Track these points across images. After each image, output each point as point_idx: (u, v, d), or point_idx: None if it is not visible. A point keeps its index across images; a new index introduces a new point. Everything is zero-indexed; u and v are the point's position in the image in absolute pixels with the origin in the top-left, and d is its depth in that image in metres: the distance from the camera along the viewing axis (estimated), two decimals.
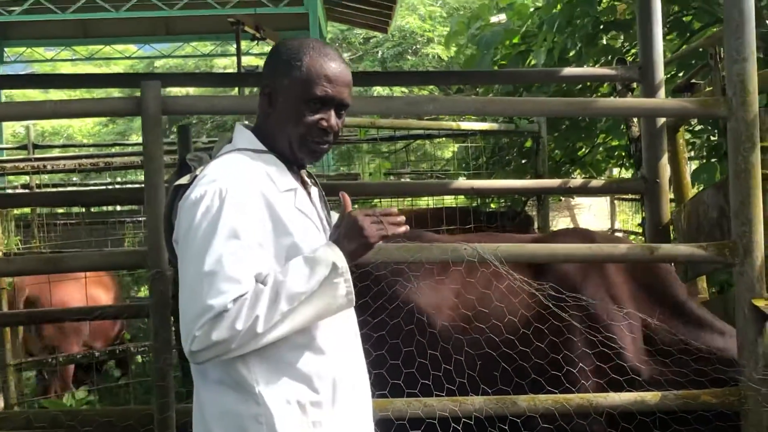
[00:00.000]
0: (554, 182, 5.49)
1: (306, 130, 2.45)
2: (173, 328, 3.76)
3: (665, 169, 4.87)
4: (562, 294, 3.67)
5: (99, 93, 22.85)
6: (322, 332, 2.38)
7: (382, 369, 3.56)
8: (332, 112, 2.47)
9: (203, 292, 2.17)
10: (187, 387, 5.17)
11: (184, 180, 2.40)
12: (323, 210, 2.63)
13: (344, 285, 2.29)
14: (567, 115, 7.07)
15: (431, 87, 11.98)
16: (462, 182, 5.12)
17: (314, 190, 2.62)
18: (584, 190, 5.41)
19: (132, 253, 3.86)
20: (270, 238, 2.31)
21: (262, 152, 2.45)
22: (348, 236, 2.33)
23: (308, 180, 2.61)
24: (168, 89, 15.30)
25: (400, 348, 3.65)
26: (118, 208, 11.81)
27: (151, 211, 3.48)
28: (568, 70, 5.21)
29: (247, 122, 2.57)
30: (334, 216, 2.58)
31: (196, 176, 2.38)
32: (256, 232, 2.28)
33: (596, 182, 5.34)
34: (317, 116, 2.44)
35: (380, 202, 7.78)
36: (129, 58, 23.85)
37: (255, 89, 9.74)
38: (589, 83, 8.29)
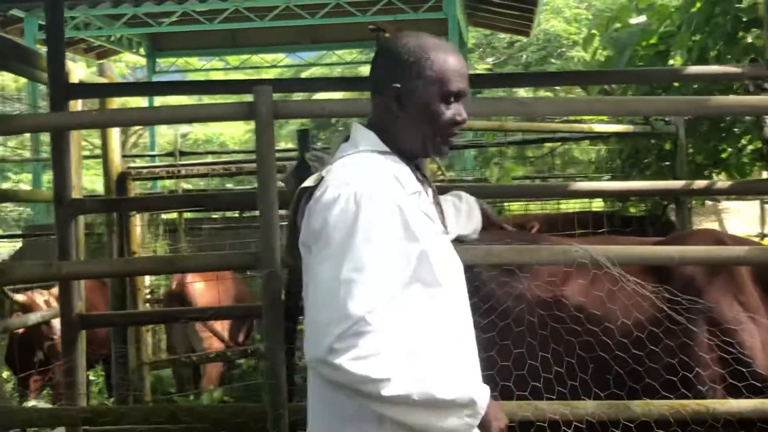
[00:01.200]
0: (692, 183, 5.35)
1: (444, 126, 2.49)
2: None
3: None
4: (683, 297, 3.57)
5: (233, 99, 23.46)
6: None
7: (492, 371, 3.55)
8: (461, 105, 2.51)
9: (340, 299, 2.18)
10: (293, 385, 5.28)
11: (310, 182, 2.41)
12: (438, 209, 2.64)
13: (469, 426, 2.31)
14: (684, 114, 6.87)
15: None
16: (589, 184, 5.03)
17: (430, 190, 2.64)
18: (724, 191, 5.24)
19: (245, 254, 3.96)
20: (401, 245, 2.31)
21: (386, 153, 2.47)
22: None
23: (424, 179, 2.61)
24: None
25: (510, 349, 3.62)
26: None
27: (263, 214, 3.56)
28: (692, 69, 5.07)
29: (361, 122, 2.59)
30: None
31: (321, 177, 2.39)
32: (391, 240, 2.28)
33: (736, 183, 5.17)
34: (452, 111, 2.48)
35: (509, 206, 7.73)
36: (276, 66, 24.46)
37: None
38: (733, 84, 8.03)
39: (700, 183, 4.97)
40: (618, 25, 9.65)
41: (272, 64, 23.85)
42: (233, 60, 22.82)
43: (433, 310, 2.39)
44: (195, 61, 24.04)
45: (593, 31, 10.12)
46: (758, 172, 10.57)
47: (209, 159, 13.16)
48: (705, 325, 3.63)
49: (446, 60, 2.47)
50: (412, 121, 2.48)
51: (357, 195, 2.26)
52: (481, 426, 2.33)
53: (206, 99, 22.51)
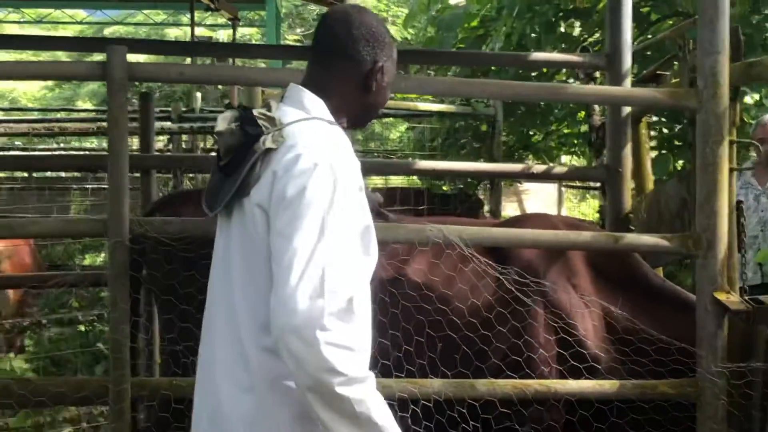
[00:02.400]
0: (516, 166, 5.51)
1: (382, 106, 2.69)
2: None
3: (628, 159, 4.89)
4: (525, 279, 3.66)
5: (45, 56, 22.36)
6: None
7: None
8: None
9: (324, 272, 2.13)
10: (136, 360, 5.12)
11: (270, 143, 2.32)
12: None
13: None
14: (538, 100, 7.08)
15: None
16: (424, 163, 5.08)
17: None
18: (545, 176, 5.40)
19: (92, 221, 3.75)
20: (361, 220, 2.32)
21: (334, 124, 2.46)
22: None
23: None
24: None
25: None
26: (64, 174, 11.59)
27: (113, 178, 3.39)
28: (536, 55, 5.20)
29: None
30: None
31: (280, 139, 2.33)
32: (358, 216, 2.29)
33: (558, 168, 5.35)
34: None
35: None
36: (79, 23, 23.34)
37: (209, 60, 9.65)
38: (545, 70, 8.33)
39: (538, 167, 5.09)
40: (439, 5, 9.81)
41: (74, 20, 22.77)
42: (31, 13, 21.64)
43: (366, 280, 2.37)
44: None
45: (416, 9, 10.25)
46: (560, 157, 11.08)
47: (11, 116, 12.41)
48: (543, 308, 3.73)
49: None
50: (374, 98, 2.58)
51: (333, 168, 2.24)
52: None
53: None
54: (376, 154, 12.71)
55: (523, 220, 4.44)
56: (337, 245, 2.18)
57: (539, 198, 14.95)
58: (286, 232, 2.20)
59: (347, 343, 2.13)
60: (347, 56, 2.52)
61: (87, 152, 11.17)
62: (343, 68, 2.53)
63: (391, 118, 11.71)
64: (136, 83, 18.32)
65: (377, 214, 3.65)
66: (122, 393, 3.39)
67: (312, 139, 2.33)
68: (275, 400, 2.30)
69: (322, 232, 2.17)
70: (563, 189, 14.96)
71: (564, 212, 13.84)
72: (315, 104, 2.47)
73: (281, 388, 2.28)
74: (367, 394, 2.19)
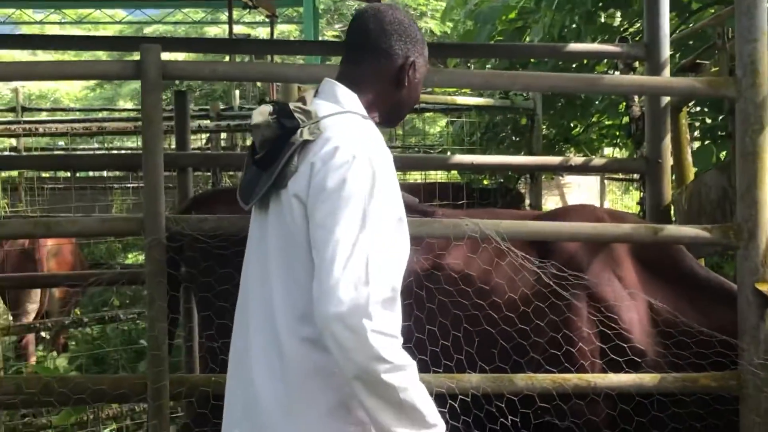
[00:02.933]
0: (554, 159, 5.45)
1: (415, 102, 2.73)
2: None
3: (667, 150, 4.83)
4: (565, 273, 3.62)
5: (87, 56, 22.56)
6: None
7: None
8: None
9: (368, 262, 2.19)
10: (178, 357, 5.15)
11: (307, 135, 2.37)
12: None
13: None
14: (574, 92, 7.00)
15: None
16: (462, 157, 5.06)
17: None
18: (585, 168, 5.36)
19: (128, 219, 3.78)
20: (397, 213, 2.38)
21: (367, 119, 2.51)
22: None
23: None
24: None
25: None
26: (105, 174, 11.71)
27: (149, 177, 3.41)
28: (573, 46, 5.15)
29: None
30: None
31: (317, 132, 2.38)
32: (397, 209, 2.37)
33: (597, 161, 5.30)
34: None
35: None
36: (118, 23, 23.55)
37: (247, 57, 9.68)
38: (586, 61, 8.26)
39: (576, 159, 5.04)
40: None
41: (113, 20, 22.97)
42: (71, 14, 21.85)
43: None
44: (31, 13, 22.85)
45: (453, 3, 10.22)
46: (602, 149, 10.97)
47: (55, 116, 12.53)
48: (586, 301, 3.69)
49: None
50: (407, 93, 2.63)
51: (372, 160, 2.30)
52: None
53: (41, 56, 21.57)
54: (416, 149, 12.70)
55: (568, 212, 4.38)
56: (378, 235, 2.23)
57: (581, 191, 14.83)
58: (327, 224, 2.24)
59: (392, 331, 2.20)
60: (380, 51, 2.56)
61: (126, 151, 11.29)
62: (375, 63, 2.57)
63: (430, 114, 11.68)
64: (176, 82, 18.54)
65: (416, 210, 3.66)
66: (161, 390, 3.41)
67: (348, 132, 2.37)
68: (312, 390, 2.33)
69: (364, 222, 2.22)
70: (606, 181, 14.84)
71: (607, 205, 13.73)
72: (349, 98, 2.51)
73: (318, 378, 2.32)
74: (411, 382, 2.26)
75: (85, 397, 3.46)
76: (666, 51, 4.80)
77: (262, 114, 2.51)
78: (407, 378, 2.24)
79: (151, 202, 3.42)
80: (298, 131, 2.37)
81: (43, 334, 7.21)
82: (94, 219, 3.81)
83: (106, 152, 10.09)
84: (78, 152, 9.57)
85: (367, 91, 2.56)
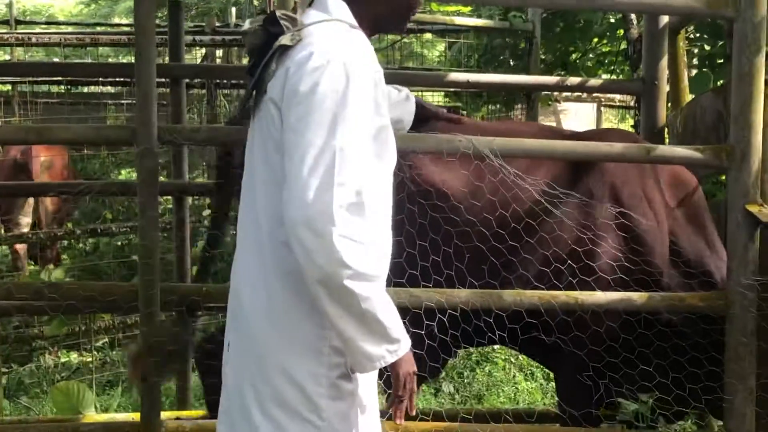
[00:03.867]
0: (551, 79, 5.41)
1: (417, 5, 2.63)
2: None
3: (664, 72, 4.80)
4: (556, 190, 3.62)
5: None
6: None
7: None
8: None
9: (336, 165, 2.18)
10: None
11: (286, 40, 2.36)
12: None
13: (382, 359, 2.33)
14: (573, 8, 6.91)
15: None
16: (458, 75, 5.02)
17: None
18: (581, 89, 5.33)
19: (121, 128, 3.78)
20: (373, 120, 2.35)
21: (356, 28, 2.48)
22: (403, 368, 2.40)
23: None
24: None
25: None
26: (100, 90, 11.63)
27: (141, 85, 3.39)
28: None
29: None
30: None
31: (298, 38, 2.37)
32: (370, 114, 2.33)
33: (593, 81, 5.25)
34: None
35: None
36: None
37: None
38: None
39: (573, 79, 5.01)
40: None
41: None
42: None
43: (382, 182, 2.44)
44: None
45: None
46: (600, 76, 10.90)
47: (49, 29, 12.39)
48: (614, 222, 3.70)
49: None
50: (396, 1, 2.57)
51: (346, 65, 2.27)
52: (391, 367, 2.37)
53: None
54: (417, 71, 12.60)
55: (606, 134, 4.35)
56: (347, 140, 2.22)
57: (578, 117, 14.75)
58: (298, 128, 2.25)
59: (357, 237, 2.19)
60: None
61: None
62: None
63: (429, 35, 11.57)
64: None
65: (442, 119, 3.64)
66: (152, 297, 3.43)
67: (328, 38, 2.36)
68: (290, 294, 2.34)
69: (333, 127, 2.21)
70: (602, 109, 14.77)
71: None
72: (338, 7, 2.49)
73: (295, 281, 2.31)
74: (374, 293, 2.24)
75: (76, 303, 3.48)
76: None
77: (253, 22, 2.52)
78: (371, 288, 2.22)
79: (143, 111, 3.40)
80: (280, 37, 2.38)
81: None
82: (87, 126, 3.80)
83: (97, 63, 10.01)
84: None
85: (355, 1, 2.52)
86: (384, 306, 2.28)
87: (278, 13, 2.45)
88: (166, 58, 5.61)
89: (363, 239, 2.21)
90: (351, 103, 2.24)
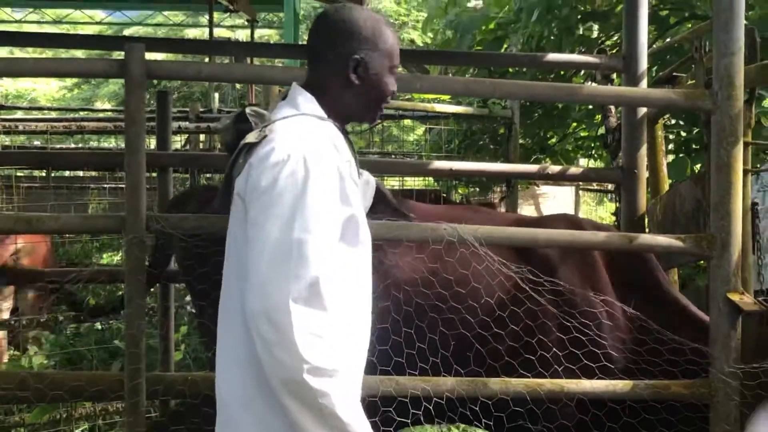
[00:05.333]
0: (532, 167, 5.48)
1: (387, 96, 2.70)
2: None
3: (643, 160, 4.88)
4: (540, 278, 3.66)
5: (64, 56, 22.40)
6: None
7: None
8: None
9: (294, 258, 2.21)
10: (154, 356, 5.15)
11: (252, 138, 2.43)
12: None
13: None
14: (553, 100, 7.05)
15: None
16: (441, 163, 5.09)
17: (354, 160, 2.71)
18: (561, 177, 5.40)
19: (109, 217, 3.79)
20: (338, 209, 2.38)
21: (324, 119, 2.55)
22: None
23: (352, 149, 2.70)
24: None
25: (375, 324, 3.61)
26: (82, 174, 11.67)
27: (131, 175, 3.42)
28: (553, 56, 5.19)
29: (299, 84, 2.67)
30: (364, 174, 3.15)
31: (264, 134, 2.42)
32: (333, 205, 2.35)
33: (574, 170, 5.33)
34: (393, 83, 2.71)
35: None
36: (98, 23, 23.40)
37: (227, 60, 9.67)
38: (563, 72, 8.34)
39: (553, 168, 5.08)
40: (457, 9, 9.83)
41: (93, 21, 22.82)
42: (50, 14, 21.70)
43: (353, 270, 2.48)
44: (10, 12, 22.66)
45: (434, 14, 10.28)
46: (578, 160, 11.06)
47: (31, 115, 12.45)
48: (561, 307, 3.74)
49: (392, 35, 2.67)
50: (364, 90, 2.64)
51: (306, 159, 2.31)
52: None
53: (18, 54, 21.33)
54: (393, 156, 12.74)
55: (551, 220, 4.42)
56: (305, 232, 2.24)
57: (556, 201, 14.87)
58: (258, 221, 2.29)
59: (316, 330, 2.19)
60: (327, 53, 2.62)
61: (110, 151, 11.26)
62: (326, 66, 2.63)
63: (408, 121, 11.73)
64: (155, 82, 18.44)
65: (386, 205, 3.68)
66: (137, 387, 3.41)
67: (290, 133, 2.42)
68: (261, 379, 2.32)
69: (291, 220, 2.25)
70: (580, 192, 14.94)
71: (581, 215, 13.74)
72: (306, 101, 2.58)
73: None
74: (333, 388, 2.21)
75: (62, 393, 3.46)
76: (644, 63, 4.86)
77: (227, 118, 2.62)
78: (330, 383, 2.20)
79: (132, 200, 3.42)
80: (248, 135, 2.45)
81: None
82: (76, 216, 3.81)
83: (84, 150, 10.04)
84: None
85: (323, 94, 2.62)
86: (343, 402, 2.24)
87: (248, 110, 2.54)
88: (152, 143, 5.67)
89: (322, 332, 2.21)
90: (310, 196, 2.27)
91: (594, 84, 6.55)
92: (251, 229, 2.32)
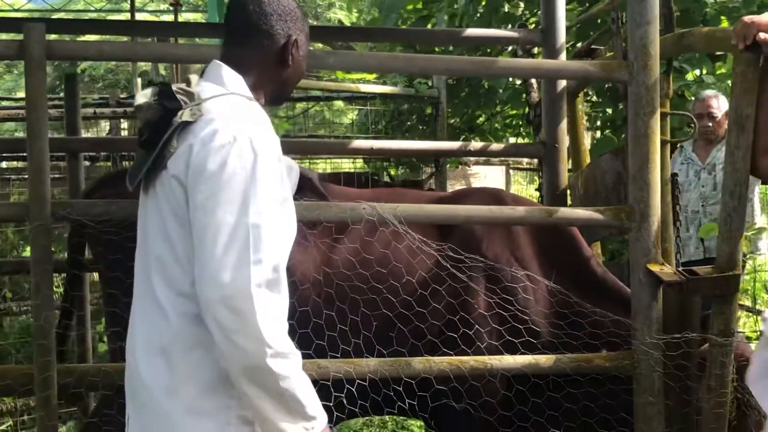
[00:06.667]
0: (454, 145, 5.46)
1: (299, 80, 2.75)
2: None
3: (564, 135, 4.87)
4: (463, 255, 3.63)
5: None
6: None
7: None
8: None
9: (252, 242, 2.19)
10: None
11: (188, 116, 2.35)
12: None
13: None
14: (470, 74, 7.00)
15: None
16: (362, 142, 5.03)
17: None
18: (483, 154, 5.40)
19: (13, 205, 3.67)
20: (280, 193, 2.37)
21: (252, 100, 2.51)
22: None
23: None
24: None
25: (295, 308, 3.54)
26: (4, 165, 11.39)
27: (34, 161, 3.29)
28: (471, 31, 5.13)
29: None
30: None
31: (198, 113, 2.36)
32: (278, 188, 2.34)
33: (495, 146, 5.32)
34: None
35: None
36: (17, 11, 22.86)
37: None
38: (489, 49, 8.32)
39: (475, 145, 5.05)
40: None
41: (13, 8, 22.29)
42: None
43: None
44: None
45: None
46: (508, 138, 11.07)
47: None
48: (484, 282, 3.71)
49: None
50: (291, 72, 2.65)
51: (253, 142, 2.28)
52: None
53: None
54: (325, 139, 12.66)
55: (469, 194, 4.39)
56: (260, 217, 2.22)
57: (488, 181, 14.94)
58: (208, 206, 2.23)
59: (275, 314, 2.20)
60: (261, 32, 2.57)
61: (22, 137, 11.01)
62: (258, 44, 2.58)
63: (340, 103, 11.68)
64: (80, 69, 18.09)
65: (312, 190, 3.62)
66: (48, 380, 3.30)
67: (230, 114, 2.37)
68: (192, 364, 2.30)
69: (245, 204, 2.22)
70: (511, 172, 15.02)
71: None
72: (233, 80, 2.51)
73: (199, 352, 2.30)
74: (293, 371, 2.24)
75: None
76: (562, 36, 4.83)
77: (145, 96, 2.49)
78: (289, 366, 2.22)
79: (35, 187, 3.30)
80: (179, 113, 2.36)
81: None
82: None
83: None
84: None
85: (251, 73, 2.56)
86: (302, 384, 2.28)
87: (174, 87, 2.44)
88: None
89: (280, 316, 2.22)
90: (260, 180, 2.25)
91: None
92: (198, 214, 2.25)
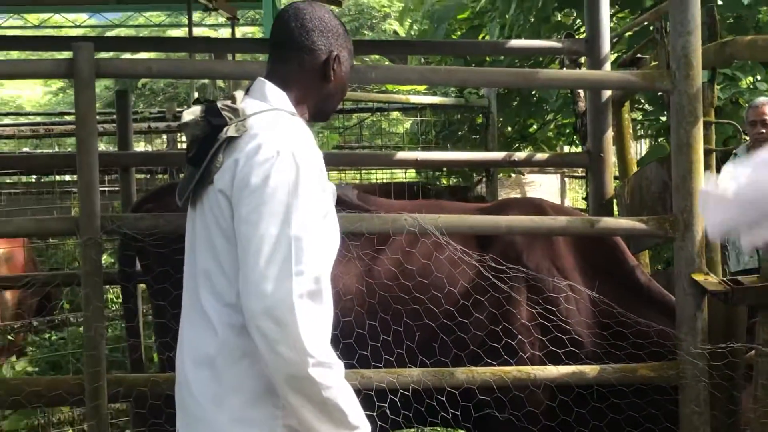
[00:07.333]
0: (499, 155, 5.45)
1: (343, 95, 2.73)
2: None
3: (609, 144, 4.85)
4: (504, 265, 3.64)
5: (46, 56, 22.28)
6: None
7: None
8: None
9: (294, 255, 2.21)
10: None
11: (233, 132, 2.39)
12: None
13: None
14: (511, 86, 7.02)
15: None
16: (406, 153, 5.06)
17: None
18: (529, 163, 5.38)
19: (63, 219, 3.76)
20: (323, 206, 2.40)
21: (295, 115, 2.53)
22: None
23: None
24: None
25: (338, 319, 3.59)
26: (67, 178, 11.62)
27: (83, 176, 3.39)
28: (515, 42, 5.16)
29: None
30: None
31: (243, 129, 2.40)
32: (321, 203, 2.36)
33: (541, 155, 5.31)
34: None
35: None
36: (79, 27, 23.29)
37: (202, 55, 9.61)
38: (541, 59, 8.31)
39: (520, 154, 5.05)
40: None
41: (75, 24, 22.75)
42: (33, 18, 21.64)
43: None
44: None
45: (410, 4, 10.26)
46: (561, 146, 11.04)
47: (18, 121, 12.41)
48: (526, 293, 3.72)
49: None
50: (333, 88, 2.64)
51: (295, 156, 2.30)
52: None
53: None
54: (382, 149, 12.73)
55: (510, 204, 4.40)
56: (302, 229, 2.24)
57: (543, 189, 14.88)
58: (252, 219, 2.26)
59: (317, 325, 2.22)
60: (303, 48, 2.59)
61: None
62: (300, 60, 2.59)
63: (397, 113, 11.74)
64: (139, 84, 18.36)
65: (351, 206, 3.66)
66: (98, 390, 3.38)
67: (273, 129, 2.39)
68: (238, 375, 2.34)
69: (288, 217, 2.24)
70: (566, 180, 14.92)
71: (567, 202, 13.78)
72: (277, 96, 2.54)
73: (245, 363, 2.33)
74: (336, 380, 2.26)
75: (21, 399, 3.42)
76: (606, 46, 4.83)
77: (192, 113, 2.53)
78: (332, 376, 2.24)
79: (86, 202, 3.39)
80: (225, 129, 2.40)
81: None
82: (29, 219, 3.77)
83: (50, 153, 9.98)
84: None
85: (294, 88, 2.59)
86: (344, 393, 2.29)
87: (219, 104, 2.49)
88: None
89: (323, 327, 2.25)
90: (302, 193, 2.27)
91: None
92: (243, 227, 2.29)
